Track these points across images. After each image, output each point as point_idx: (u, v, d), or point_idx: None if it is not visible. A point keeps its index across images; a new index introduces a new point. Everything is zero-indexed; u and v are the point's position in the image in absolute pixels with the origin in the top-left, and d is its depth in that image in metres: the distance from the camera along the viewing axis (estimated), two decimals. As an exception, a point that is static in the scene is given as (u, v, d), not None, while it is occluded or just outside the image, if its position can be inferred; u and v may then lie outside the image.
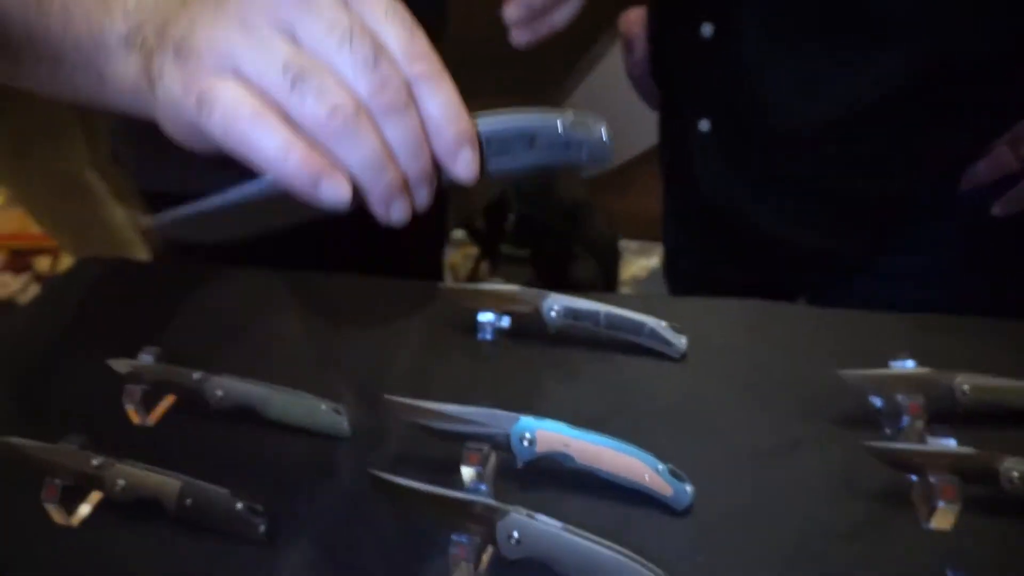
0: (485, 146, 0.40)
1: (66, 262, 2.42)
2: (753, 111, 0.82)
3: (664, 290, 2.12)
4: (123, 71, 0.40)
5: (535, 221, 1.94)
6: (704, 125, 0.88)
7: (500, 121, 0.40)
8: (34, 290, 2.39)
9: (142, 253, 2.17)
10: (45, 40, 0.42)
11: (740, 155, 0.86)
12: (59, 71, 0.43)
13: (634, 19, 1.11)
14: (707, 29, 0.81)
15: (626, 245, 2.14)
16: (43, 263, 2.51)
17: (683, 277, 1.18)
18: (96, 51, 0.41)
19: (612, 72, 2.09)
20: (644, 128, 2.16)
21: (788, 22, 0.76)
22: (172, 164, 0.52)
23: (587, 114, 0.40)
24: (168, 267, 0.85)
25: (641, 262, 2.22)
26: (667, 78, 0.98)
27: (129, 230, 2.14)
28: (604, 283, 2.04)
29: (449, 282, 0.76)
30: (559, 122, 0.40)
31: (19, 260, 2.53)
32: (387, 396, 0.51)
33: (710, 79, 0.84)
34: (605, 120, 0.41)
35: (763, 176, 0.86)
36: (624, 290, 2.15)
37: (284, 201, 0.37)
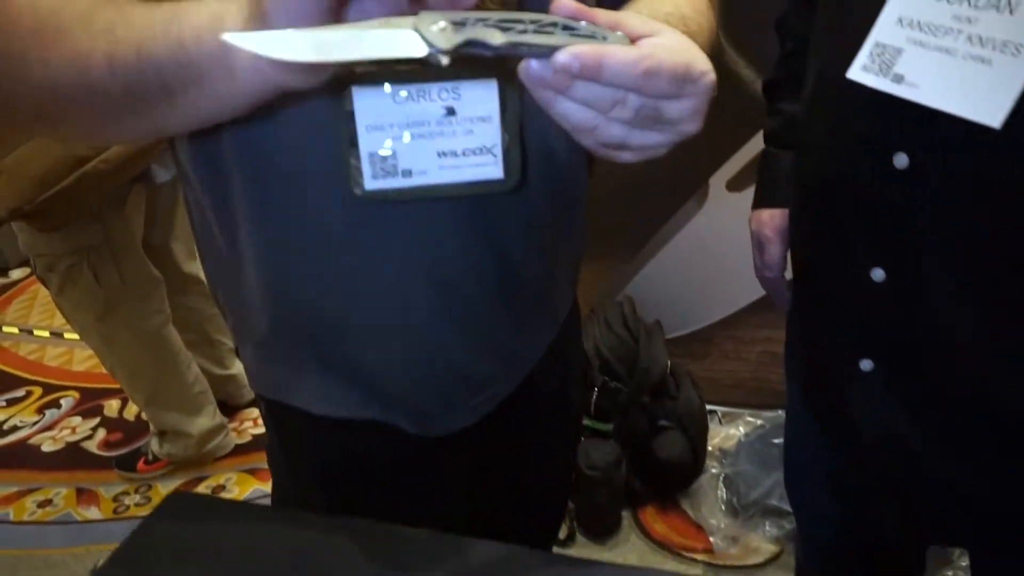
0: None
1: (133, 409, 2.39)
2: (930, 351, 0.76)
3: (752, 464, 1.99)
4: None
5: (619, 395, 1.86)
6: (867, 365, 0.79)
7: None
8: (102, 434, 2.35)
9: (211, 406, 2.15)
10: (188, 65, 0.49)
11: (908, 391, 0.80)
12: (200, 93, 0.51)
13: (767, 220, 1.05)
14: (878, 273, 0.74)
15: (709, 411, 2.03)
16: (113, 407, 2.48)
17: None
18: (225, 51, 0.47)
19: (699, 235, 2.07)
20: (725, 295, 2.11)
21: (973, 264, 0.71)
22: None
23: None
24: (257, 508, 0.82)
25: (727, 431, 2.10)
26: (821, 315, 0.90)
27: (200, 383, 2.13)
28: (692, 457, 1.94)
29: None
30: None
31: (90, 402, 2.51)
32: None
33: (879, 321, 0.75)
34: None
35: (929, 403, 0.79)
36: (711, 465, 2.02)
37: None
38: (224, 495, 2.07)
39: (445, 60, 0.44)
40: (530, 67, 0.46)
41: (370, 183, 0.61)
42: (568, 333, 0.89)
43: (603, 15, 0.48)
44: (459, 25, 0.44)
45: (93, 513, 2.03)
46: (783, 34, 1.04)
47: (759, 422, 2.11)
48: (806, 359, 0.96)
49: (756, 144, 1.77)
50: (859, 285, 0.78)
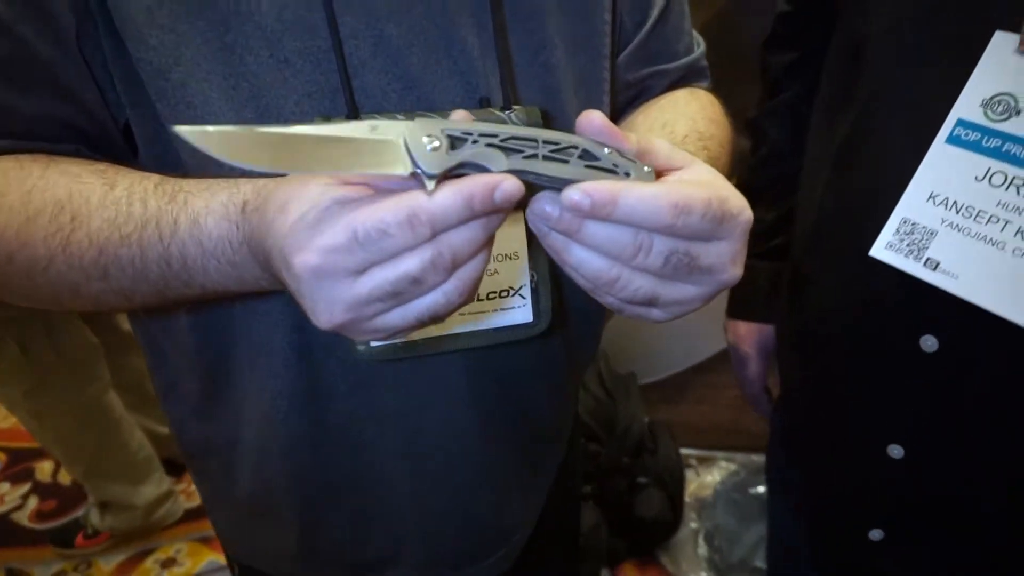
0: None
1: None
2: (946, 524, 0.69)
3: (731, 516, 1.95)
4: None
5: (599, 458, 1.81)
6: (876, 535, 0.71)
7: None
8: (34, 503, 2.19)
9: (158, 472, 2.02)
10: (193, 259, 0.49)
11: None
12: (202, 277, 0.50)
13: (744, 335, 0.97)
14: (896, 450, 0.65)
15: (683, 455, 1.98)
16: (45, 469, 2.32)
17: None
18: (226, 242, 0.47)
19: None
20: (699, 342, 2.05)
21: (1005, 445, 0.64)
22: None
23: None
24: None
25: (703, 479, 2.06)
26: (824, 481, 0.81)
27: (145, 449, 1.99)
28: (671, 513, 1.90)
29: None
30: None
31: (19, 465, 2.34)
32: None
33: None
34: None
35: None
36: (689, 516, 1.98)
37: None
38: (175, 570, 1.94)
39: (431, 185, 0.38)
40: (534, 204, 0.40)
41: (374, 341, 0.55)
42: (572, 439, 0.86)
43: (632, 139, 0.42)
44: (458, 141, 0.39)
45: (25, 599, 1.89)
46: (756, 136, 0.94)
47: (734, 467, 2.08)
48: (810, 519, 0.87)
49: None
50: (871, 458, 0.69)
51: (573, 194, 0.38)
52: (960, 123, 0.56)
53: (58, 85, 0.52)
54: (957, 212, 0.57)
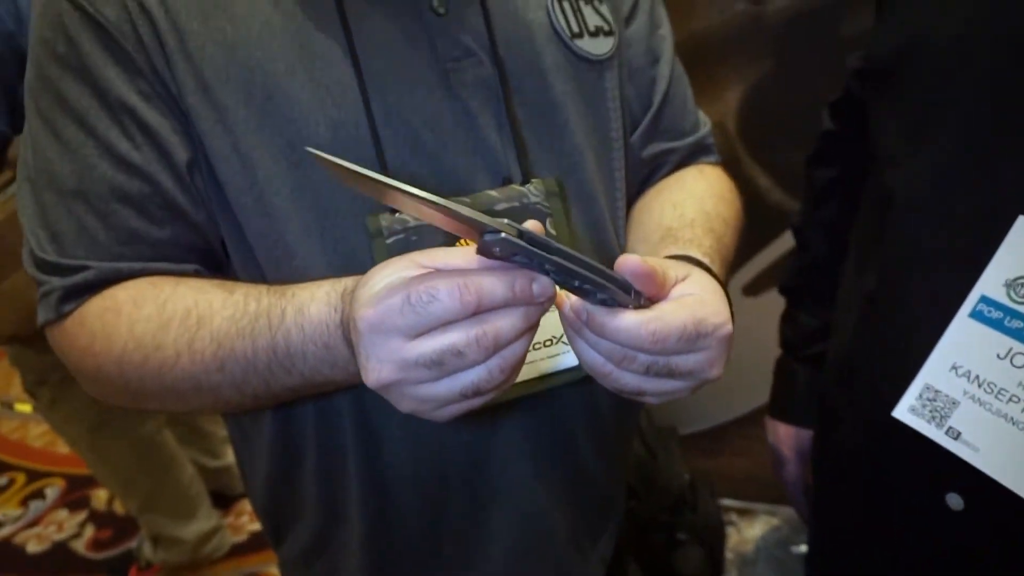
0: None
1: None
2: None
3: (776, 574, 1.93)
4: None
5: (638, 515, 1.81)
6: (955, 501, 0.67)
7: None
8: (90, 532, 2.28)
9: (206, 506, 2.09)
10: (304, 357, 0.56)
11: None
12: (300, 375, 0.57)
13: (783, 438, 0.99)
14: (955, 500, 0.66)
15: (724, 507, 1.98)
16: (101, 497, 2.41)
17: None
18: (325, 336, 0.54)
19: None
20: (741, 395, 2.04)
21: None
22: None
23: None
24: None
25: (746, 533, 2.04)
26: (867, 538, 0.80)
27: (196, 484, 2.07)
28: (711, 568, 1.89)
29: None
30: None
31: (77, 492, 2.44)
32: None
33: (943, 555, 0.68)
34: None
35: None
36: (730, 572, 1.97)
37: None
38: (223, 602, 2.00)
39: (493, 237, 0.43)
40: (564, 309, 0.48)
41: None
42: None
43: (659, 277, 0.49)
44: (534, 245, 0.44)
45: (81, 627, 1.96)
46: (800, 243, 0.96)
47: (776, 521, 2.06)
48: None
49: (773, 250, 1.72)
50: None
51: (572, 305, 0.48)
52: (984, 300, 0.58)
53: (179, 212, 0.61)
54: (979, 386, 0.58)
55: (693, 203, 0.73)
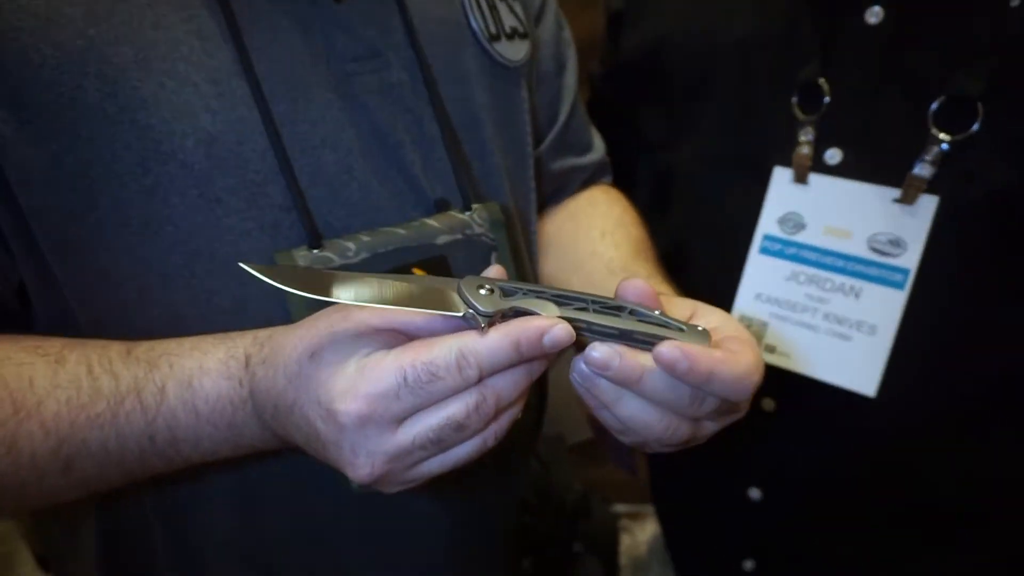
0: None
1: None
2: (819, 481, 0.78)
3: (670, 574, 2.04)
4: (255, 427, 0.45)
5: (535, 530, 1.85)
6: (755, 494, 0.81)
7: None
8: None
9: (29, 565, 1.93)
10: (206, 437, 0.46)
11: (797, 523, 0.81)
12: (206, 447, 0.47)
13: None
14: (768, 403, 0.77)
15: (615, 514, 2.06)
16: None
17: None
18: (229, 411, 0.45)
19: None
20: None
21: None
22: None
23: None
24: None
25: (638, 536, 2.13)
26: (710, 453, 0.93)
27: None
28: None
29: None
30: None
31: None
32: None
33: (771, 446, 0.79)
34: None
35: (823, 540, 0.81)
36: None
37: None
38: None
39: (483, 322, 0.38)
40: (588, 354, 0.39)
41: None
42: None
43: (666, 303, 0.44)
44: (509, 292, 0.40)
45: None
46: None
47: (661, 519, 2.14)
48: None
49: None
50: (733, 499, 0.82)
51: (669, 351, 0.39)
52: (766, 237, 0.72)
53: None
54: (779, 306, 0.72)
55: (621, 232, 0.69)
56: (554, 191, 0.76)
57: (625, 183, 0.85)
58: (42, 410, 0.43)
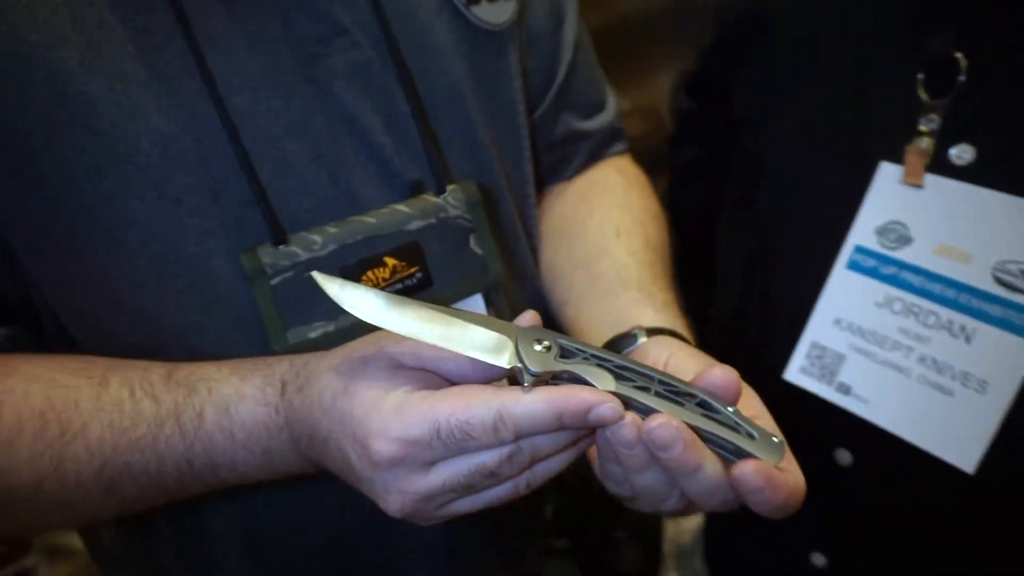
0: None
1: None
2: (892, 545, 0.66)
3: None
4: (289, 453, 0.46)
5: (575, 511, 1.79)
6: (819, 560, 0.70)
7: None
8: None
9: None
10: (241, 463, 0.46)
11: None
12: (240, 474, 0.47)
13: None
14: (844, 456, 0.64)
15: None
16: None
17: None
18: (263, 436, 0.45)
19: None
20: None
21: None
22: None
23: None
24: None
25: (683, 524, 2.04)
26: None
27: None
28: (647, 564, 1.88)
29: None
30: None
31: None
32: None
33: (838, 510, 0.66)
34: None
35: None
36: (669, 564, 1.96)
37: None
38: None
39: (528, 381, 0.37)
40: (652, 430, 0.37)
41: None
42: None
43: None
44: (569, 353, 0.38)
45: None
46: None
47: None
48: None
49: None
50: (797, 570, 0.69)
51: (753, 479, 0.37)
52: (858, 249, 0.57)
53: None
54: (863, 337, 0.57)
55: (640, 234, 0.64)
56: (559, 161, 0.70)
57: (717, 168, 0.73)
58: (87, 432, 0.44)
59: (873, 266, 0.56)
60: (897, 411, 0.55)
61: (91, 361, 0.47)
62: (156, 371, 0.46)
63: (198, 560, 0.58)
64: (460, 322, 0.39)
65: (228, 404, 0.45)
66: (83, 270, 0.47)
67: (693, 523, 2.06)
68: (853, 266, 0.58)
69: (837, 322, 0.58)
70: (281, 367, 0.46)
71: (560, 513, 1.78)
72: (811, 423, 0.63)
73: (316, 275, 0.39)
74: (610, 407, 0.36)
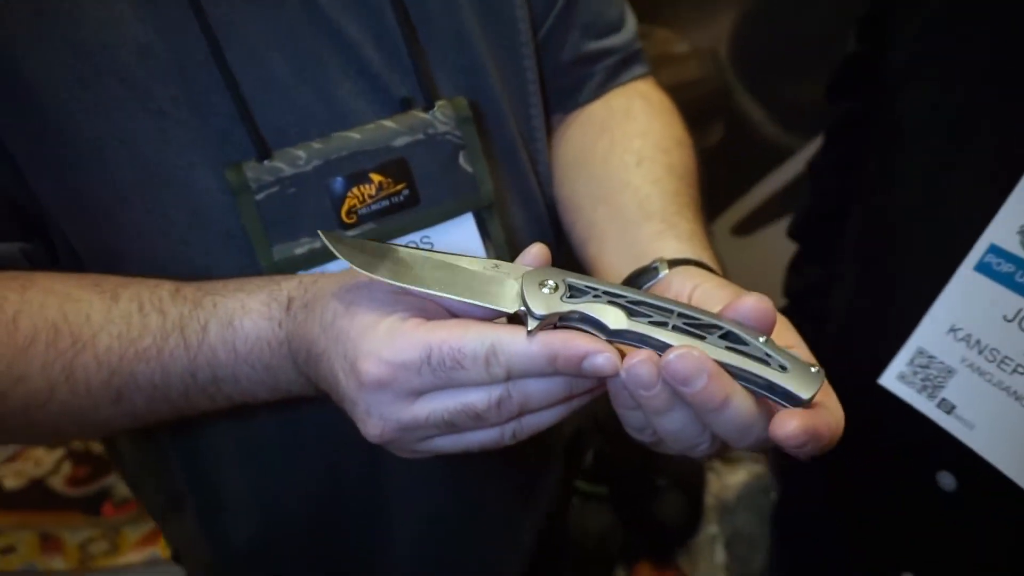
0: None
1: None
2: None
3: (752, 521, 1.90)
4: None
5: (614, 458, 1.77)
6: (947, 480, 0.62)
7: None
8: (67, 469, 2.24)
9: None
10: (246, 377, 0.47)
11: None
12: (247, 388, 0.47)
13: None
14: (947, 480, 0.58)
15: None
16: (81, 431, 2.36)
17: None
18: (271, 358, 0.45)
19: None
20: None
21: None
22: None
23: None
24: None
25: (727, 480, 2.00)
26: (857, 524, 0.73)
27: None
28: (690, 516, 1.86)
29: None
30: None
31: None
32: None
33: (933, 535, 0.61)
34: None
35: None
36: (709, 520, 1.94)
37: None
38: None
39: (532, 325, 0.36)
40: (672, 363, 0.34)
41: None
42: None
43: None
44: (578, 292, 0.37)
45: (58, 563, 1.94)
46: (812, 184, 0.84)
47: (759, 469, 2.02)
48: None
49: (764, 188, 1.60)
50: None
51: (793, 429, 0.33)
52: (993, 250, 0.48)
53: None
54: (980, 353, 0.49)
55: (663, 161, 0.61)
56: (573, 85, 0.67)
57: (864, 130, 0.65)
58: (96, 343, 0.45)
59: (1009, 272, 0.48)
60: (1007, 445, 0.48)
61: (104, 278, 0.48)
62: (166, 287, 0.47)
63: (202, 475, 0.61)
64: (470, 273, 0.38)
65: (232, 318, 0.45)
66: (77, 185, 0.48)
67: (738, 478, 2.02)
68: (983, 268, 0.49)
69: (952, 330, 0.50)
70: (290, 284, 0.46)
71: (599, 459, 1.75)
72: (910, 438, 0.56)
73: (323, 233, 0.39)
74: (606, 357, 0.34)
